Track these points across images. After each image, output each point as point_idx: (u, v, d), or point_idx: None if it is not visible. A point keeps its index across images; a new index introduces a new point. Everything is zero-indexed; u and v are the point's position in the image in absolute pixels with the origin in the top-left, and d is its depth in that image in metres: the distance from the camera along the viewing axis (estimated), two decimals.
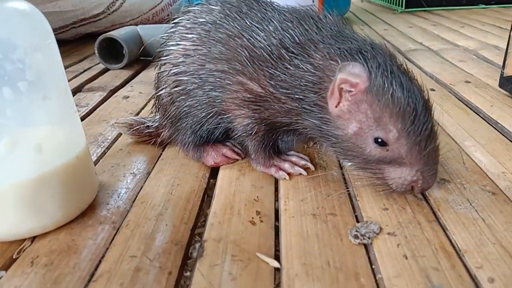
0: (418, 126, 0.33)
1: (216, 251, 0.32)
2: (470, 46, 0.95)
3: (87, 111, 0.64)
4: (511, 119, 0.54)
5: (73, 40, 1.18)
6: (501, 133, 0.51)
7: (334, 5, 1.25)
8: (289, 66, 0.38)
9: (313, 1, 0.83)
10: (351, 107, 0.35)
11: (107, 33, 0.86)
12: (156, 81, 0.47)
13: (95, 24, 1.16)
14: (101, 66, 0.90)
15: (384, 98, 0.33)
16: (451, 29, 1.16)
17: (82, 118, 0.61)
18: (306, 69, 0.37)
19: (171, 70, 0.44)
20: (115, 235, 0.35)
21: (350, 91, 0.34)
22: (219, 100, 0.42)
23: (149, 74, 0.84)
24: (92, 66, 0.92)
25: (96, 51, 0.87)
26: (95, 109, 0.65)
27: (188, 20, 0.44)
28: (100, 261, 0.32)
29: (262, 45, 0.39)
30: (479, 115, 0.57)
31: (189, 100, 0.43)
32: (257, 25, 0.40)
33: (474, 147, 0.48)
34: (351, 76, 0.34)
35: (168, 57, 0.44)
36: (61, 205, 0.35)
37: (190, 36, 0.43)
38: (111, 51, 0.89)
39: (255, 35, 0.39)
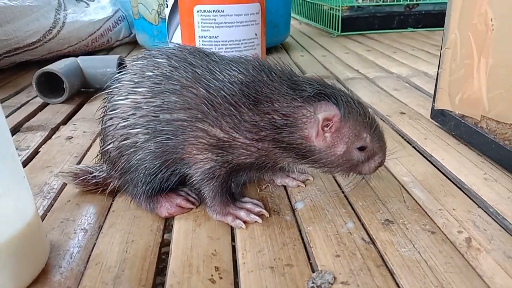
0: (376, 127, 0.43)
1: None
2: (403, 73, 1.01)
3: (28, 154, 0.62)
4: (443, 152, 0.59)
5: (6, 69, 1.12)
6: (435, 167, 0.55)
7: (276, 32, 1.29)
8: (254, 114, 0.41)
9: (255, 35, 0.85)
10: (334, 135, 0.42)
11: (46, 67, 0.83)
12: (101, 136, 0.46)
13: (30, 53, 1.11)
14: (39, 100, 0.86)
15: (354, 118, 0.42)
16: (384, 54, 1.23)
17: (24, 164, 0.58)
18: (276, 116, 0.41)
19: (119, 123, 0.43)
20: None
21: (327, 125, 0.41)
22: (181, 147, 0.42)
23: (92, 109, 0.82)
24: (30, 100, 0.88)
25: (34, 86, 0.84)
26: (37, 153, 0.63)
27: (134, 74, 0.44)
28: None
29: (222, 94, 0.40)
30: (415, 148, 0.61)
31: (140, 153, 0.43)
32: (211, 75, 0.41)
33: (412, 183, 0.51)
34: (328, 113, 0.40)
35: (115, 111, 0.44)
36: (12, 276, 0.33)
37: (139, 90, 0.43)
38: (50, 84, 0.85)
39: (211, 85, 0.41)
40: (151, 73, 0.43)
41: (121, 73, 0.45)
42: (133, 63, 0.45)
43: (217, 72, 0.42)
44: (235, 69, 0.42)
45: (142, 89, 0.43)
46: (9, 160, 0.33)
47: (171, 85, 0.42)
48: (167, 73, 0.42)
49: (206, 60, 0.43)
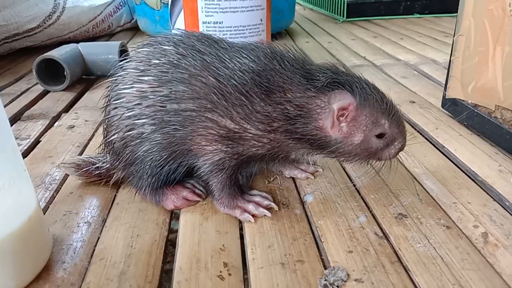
0: (395, 112, 0.41)
1: None
2: (411, 60, 0.99)
3: (29, 144, 0.60)
4: (455, 142, 0.57)
5: (6, 56, 1.10)
6: (448, 158, 0.54)
7: (280, 17, 1.26)
8: (266, 105, 0.39)
9: (261, 20, 0.83)
10: (351, 124, 0.40)
11: (46, 54, 0.81)
12: (105, 126, 0.45)
13: (30, 39, 1.09)
14: (40, 88, 0.85)
15: (371, 105, 0.40)
16: (391, 41, 1.20)
17: (25, 154, 0.57)
18: (289, 106, 0.39)
19: (124, 113, 0.42)
20: None
21: (343, 114, 0.39)
22: (189, 138, 0.41)
23: (93, 97, 0.80)
24: (30, 88, 0.86)
25: (34, 73, 0.82)
26: (38, 142, 0.61)
27: (140, 62, 0.42)
28: None
29: (232, 83, 0.39)
30: (425, 138, 0.60)
31: (146, 144, 0.41)
32: (220, 63, 0.40)
33: (425, 174, 0.50)
34: (343, 103, 0.38)
35: (119, 100, 0.42)
36: (14, 274, 0.32)
37: (145, 78, 0.41)
38: (51, 71, 0.84)
39: (221, 73, 0.39)
40: (157, 61, 0.41)
41: (126, 61, 0.43)
42: (139, 50, 0.43)
43: (227, 60, 0.40)
44: (245, 56, 0.40)
45: (148, 77, 0.41)
46: (9, 152, 0.32)
47: (178, 73, 0.40)
48: (175, 61, 0.41)
49: (215, 47, 0.41)
